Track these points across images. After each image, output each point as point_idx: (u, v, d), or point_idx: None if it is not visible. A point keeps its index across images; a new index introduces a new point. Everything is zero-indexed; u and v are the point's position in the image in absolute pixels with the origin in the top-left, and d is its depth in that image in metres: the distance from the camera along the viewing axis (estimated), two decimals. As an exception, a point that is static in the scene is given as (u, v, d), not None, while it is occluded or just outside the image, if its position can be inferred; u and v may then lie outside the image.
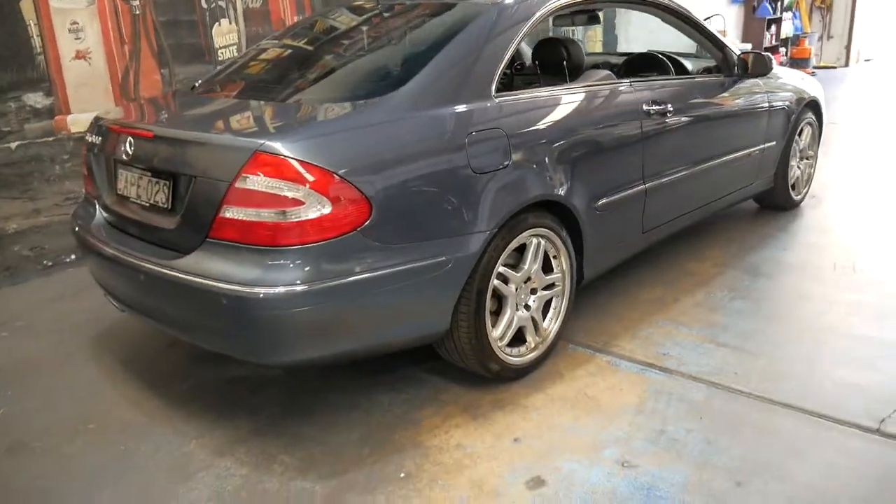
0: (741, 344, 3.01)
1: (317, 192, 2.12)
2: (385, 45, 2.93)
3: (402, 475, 2.29)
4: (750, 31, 10.09)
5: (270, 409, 2.68)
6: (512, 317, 2.70)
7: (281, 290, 2.11)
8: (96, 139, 2.76)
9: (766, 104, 4.03)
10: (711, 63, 4.03)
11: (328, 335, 2.27)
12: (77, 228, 2.84)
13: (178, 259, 2.31)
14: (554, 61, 3.15)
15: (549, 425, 2.51)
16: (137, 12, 4.29)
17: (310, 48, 3.13)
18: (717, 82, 3.74)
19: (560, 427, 2.50)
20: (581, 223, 2.89)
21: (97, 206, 2.82)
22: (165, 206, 2.41)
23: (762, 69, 3.74)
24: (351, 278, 2.20)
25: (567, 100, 2.88)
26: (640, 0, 3.48)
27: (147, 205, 2.49)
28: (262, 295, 2.11)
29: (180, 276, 2.26)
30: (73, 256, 4.26)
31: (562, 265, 2.87)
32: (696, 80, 3.67)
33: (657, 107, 3.22)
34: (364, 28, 3.08)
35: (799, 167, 4.57)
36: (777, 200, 4.52)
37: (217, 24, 4.65)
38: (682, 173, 3.46)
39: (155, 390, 2.86)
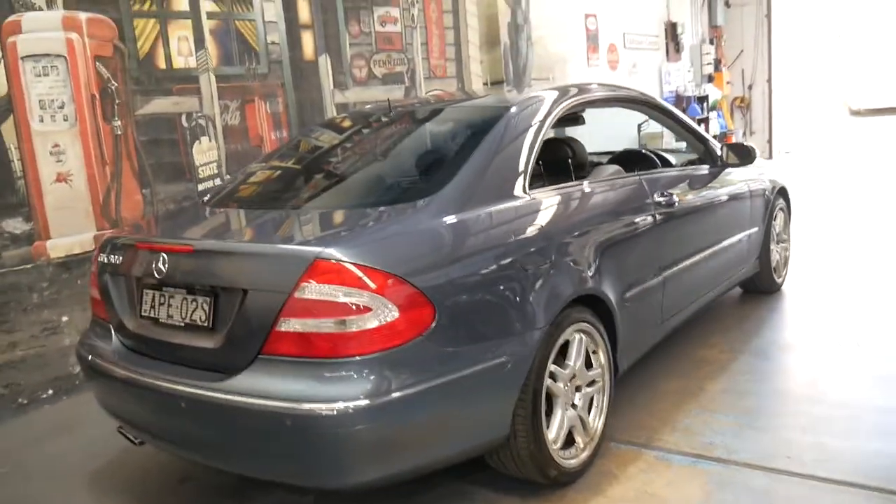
0: (780, 426, 2.98)
1: (383, 298, 2.03)
2: (408, 150, 2.93)
3: None
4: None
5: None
6: (563, 417, 2.61)
7: (352, 404, 1.98)
8: (113, 259, 2.60)
9: (748, 191, 4.20)
10: (688, 156, 4.20)
11: (398, 451, 2.12)
12: (88, 356, 2.63)
13: (225, 380, 2.14)
14: (558, 159, 3.21)
15: (621, 529, 2.39)
16: (119, 132, 4.20)
17: (328, 157, 3.11)
18: (707, 173, 3.88)
19: (634, 530, 2.37)
20: (615, 316, 2.87)
21: (112, 332, 2.63)
22: (205, 324, 2.26)
23: (747, 159, 3.91)
24: (420, 387, 2.08)
25: (593, 194, 2.92)
26: (641, 101, 3.63)
27: (181, 325, 2.33)
28: (333, 412, 1.97)
29: (233, 398, 2.09)
30: (49, 392, 3.95)
31: (600, 359, 2.82)
32: (689, 171, 3.80)
33: (664, 198, 3.30)
34: (379, 134, 3.09)
35: (776, 251, 4.73)
36: (762, 284, 4.64)
37: (197, 141, 4.60)
38: (690, 260, 3.52)
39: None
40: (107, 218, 4.16)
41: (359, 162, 2.94)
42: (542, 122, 2.85)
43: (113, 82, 4.17)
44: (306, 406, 1.98)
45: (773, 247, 4.63)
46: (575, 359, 2.66)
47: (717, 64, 11.53)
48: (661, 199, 3.27)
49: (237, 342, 2.16)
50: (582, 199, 2.85)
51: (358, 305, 2.01)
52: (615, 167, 3.28)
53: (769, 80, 11.92)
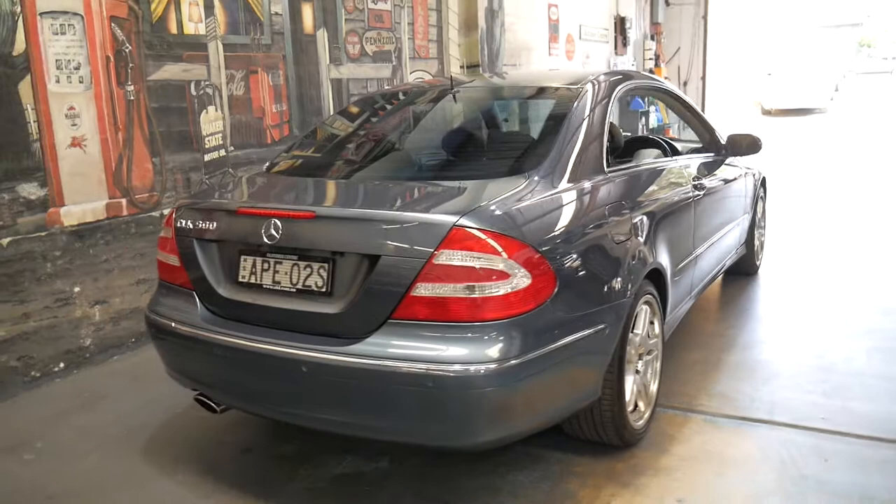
0: (803, 392, 3.26)
1: (519, 265, 2.12)
2: (498, 125, 3.01)
3: (599, 549, 2.25)
4: (626, 120, 11.15)
5: (413, 504, 2.52)
6: (632, 382, 2.78)
7: (492, 366, 2.07)
8: (199, 224, 2.56)
9: (745, 179, 4.50)
10: (689, 144, 4.45)
11: (523, 411, 2.23)
12: (170, 323, 2.58)
13: (354, 344, 2.18)
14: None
15: (699, 483, 2.57)
16: (132, 98, 4.04)
17: (418, 130, 3.13)
18: (716, 160, 4.13)
19: (711, 484, 2.57)
20: (667, 289, 3.06)
21: (197, 298, 2.59)
22: (322, 289, 2.28)
23: (753, 148, 4.18)
24: (543, 350, 2.19)
25: (655, 174, 3.09)
26: (666, 91, 3.83)
27: (292, 291, 2.34)
28: (479, 372, 2.05)
29: (367, 361, 2.13)
30: (61, 365, 3.79)
31: (655, 329, 3.01)
32: (705, 158, 4.04)
33: (698, 181, 3.52)
34: (459, 109, 3.14)
35: (756, 236, 5.08)
36: (745, 266, 4.97)
37: (205, 111, 4.48)
38: (711, 239, 3.77)
39: (266, 499, 2.60)
40: (118, 186, 4.01)
41: (452, 136, 2.99)
42: (609, 102, 2.99)
43: (127, 45, 4.01)
44: (450, 367, 2.05)
45: (756, 231, 4.97)
46: (642, 328, 2.83)
47: (657, 59, 12.03)
48: (697, 181, 3.49)
49: (364, 307, 2.19)
50: (648, 178, 3.02)
51: (496, 271, 2.10)
52: (655, 150, 3.46)
53: (703, 78, 12.54)
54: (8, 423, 3.31)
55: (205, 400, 2.65)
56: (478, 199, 2.27)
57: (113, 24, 3.93)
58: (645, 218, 2.83)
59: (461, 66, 7.05)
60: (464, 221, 2.12)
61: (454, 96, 3.17)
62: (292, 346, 2.25)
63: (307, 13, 5.24)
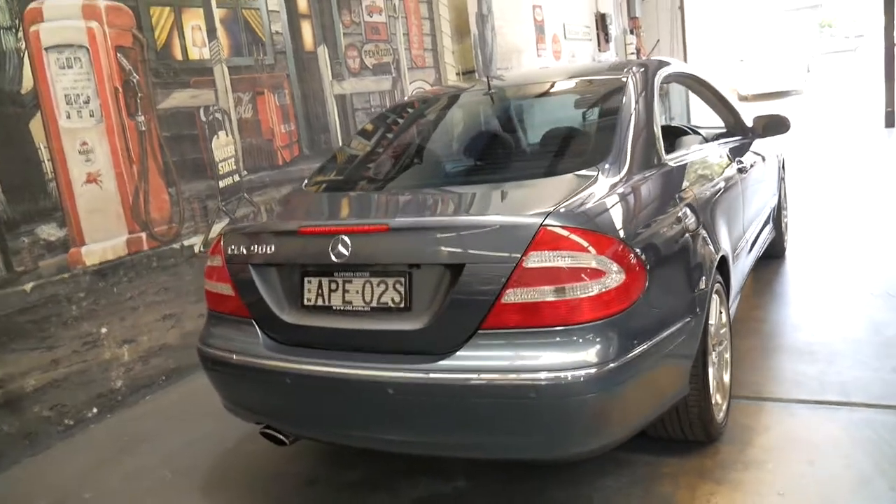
0: (870, 369, 3.18)
1: (612, 261, 2.02)
2: (548, 123, 2.91)
3: (714, 552, 2.14)
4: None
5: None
6: (712, 375, 2.68)
7: (594, 370, 1.95)
8: (253, 249, 2.43)
9: (770, 160, 4.44)
10: (712, 130, 4.39)
11: (623, 415, 2.12)
12: (231, 356, 2.44)
13: (444, 360, 2.06)
14: None
15: (793, 474, 2.47)
16: (143, 128, 3.90)
17: (468, 134, 3.03)
18: (745, 143, 4.07)
19: (806, 474, 2.47)
20: (731, 275, 2.97)
21: (256, 326, 2.45)
22: (399, 305, 2.16)
23: (781, 128, 4.11)
24: (641, 349, 2.09)
25: (707, 162, 3.01)
26: (695, 78, 3.75)
27: (366, 310, 2.21)
28: (581, 379, 1.94)
29: (460, 377, 2.01)
30: (94, 411, 3.62)
31: (722, 318, 2.92)
32: (738, 141, 3.97)
33: (740, 164, 3.45)
34: (505, 110, 3.04)
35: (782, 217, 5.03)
36: (776, 248, 4.91)
37: (216, 136, 4.34)
38: (756, 221, 3.70)
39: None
40: (137, 220, 3.86)
41: (505, 137, 2.89)
42: (654, 90, 2.91)
43: (134, 74, 3.87)
44: (552, 375, 1.94)
45: (781, 213, 4.92)
46: (715, 318, 2.74)
47: (638, 53, 12.07)
48: (740, 164, 3.42)
49: (450, 319, 2.07)
50: (702, 165, 2.93)
51: (589, 270, 1.99)
52: (698, 137, 3.39)
53: (684, 68, 12.58)
54: (49, 476, 3.14)
55: (272, 433, 2.51)
56: (557, 198, 2.16)
57: (119, 55, 3.80)
58: (709, 204, 2.74)
59: (457, 73, 6.97)
60: (550, 221, 2.01)
61: (492, 97, 3.08)
62: (375, 368, 2.12)
63: (307, 30, 5.13)
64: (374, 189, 2.77)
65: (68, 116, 3.54)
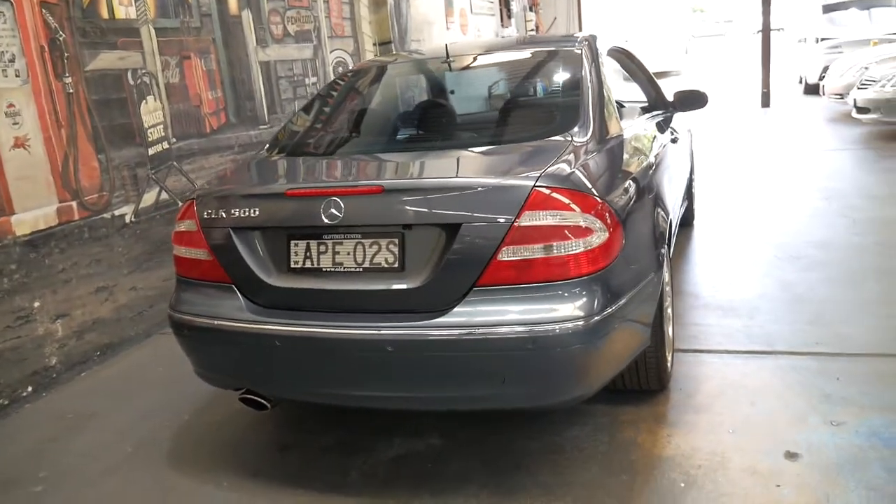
0: (788, 322, 3.53)
1: (598, 220, 2.16)
2: (513, 90, 3.00)
3: (683, 485, 2.35)
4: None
5: (482, 479, 2.49)
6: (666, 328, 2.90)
7: (587, 321, 2.10)
8: (233, 213, 2.40)
9: (686, 132, 4.76)
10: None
11: (605, 364, 2.28)
12: (214, 322, 2.41)
13: (442, 316, 2.14)
14: None
15: (739, 414, 2.74)
16: (71, 91, 3.69)
17: (438, 101, 3.07)
18: (668, 115, 4.33)
19: (751, 414, 2.74)
20: (673, 236, 3.21)
21: (236, 290, 2.43)
22: (393, 266, 2.22)
23: (699, 103, 4.40)
24: (621, 301, 2.25)
25: (655, 130, 3.22)
26: (621, 50, 3.93)
27: (358, 270, 2.26)
28: (577, 329, 2.08)
29: (460, 332, 2.10)
30: (29, 389, 3.44)
31: (666, 276, 3.15)
32: (663, 113, 4.23)
33: (673, 136, 3.70)
34: (467, 76, 3.11)
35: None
36: (687, 216, 5.26)
37: (144, 101, 4.16)
38: (681, 192, 3.97)
39: (332, 494, 2.51)
40: (67, 188, 3.66)
41: (481, 103, 2.96)
42: (601, 62, 3.06)
43: (61, 33, 3.64)
44: (550, 327, 2.07)
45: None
46: (667, 274, 2.96)
47: (537, 30, 12.38)
48: (672, 135, 3.66)
49: (447, 278, 2.15)
50: (648, 132, 3.14)
51: (578, 228, 2.12)
52: (633, 108, 3.59)
53: (580, 46, 13.02)
54: (-7, 458, 2.98)
55: (253, 398, 2.51)
56: (542, 162, 2.28)
57: (44, 11, 3.56)
58: (660, 169, 2.95)
59: (374, 44, 6.94)
60: (542, 182, 2.13)
61: (449, 65, 3.15)
62: (373, 328, 2.18)
63: (231, -7, 4.98)
64: (354, 153, 2.79)
65: (-7, 76, 3.31)
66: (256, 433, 2.97)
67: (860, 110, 8.07)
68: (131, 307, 4.03)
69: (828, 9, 13.68)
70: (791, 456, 2.45)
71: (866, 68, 8.67)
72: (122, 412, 3.27)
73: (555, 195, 2.12)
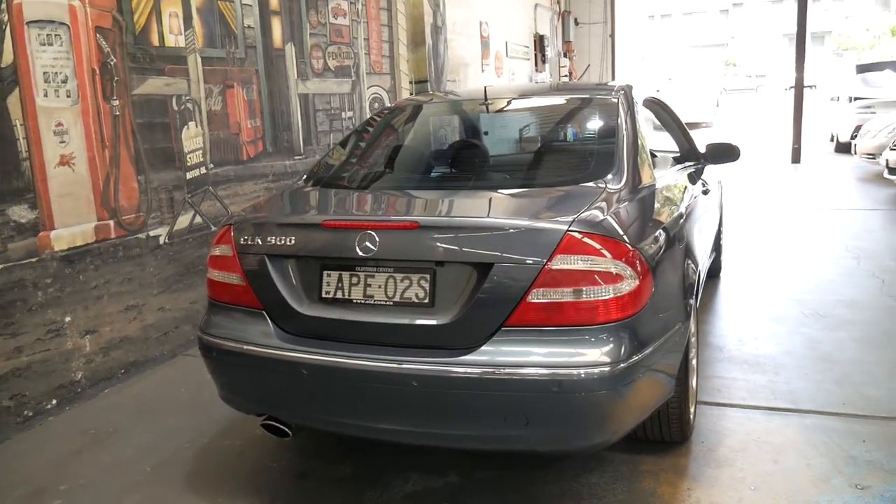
0: (813, 381, 3.49)
1: (629, 267, 2.18)
2: (551, 134, 3.06)
3: (702, 541, 2.32)
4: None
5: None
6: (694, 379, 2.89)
7: (613, 368, 2.11)
8: (270, 241, 2.45)
9: (717, 184, 4.78)
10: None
11: (632, 410, 2.28)
12: (243, 346, 2.45)
13: (467, 354, 2.16)
14: None
15: (761, 471, 2.71)
16: (117, 113, 3.81)
17: (474, 143, 3.13)
18: (699, 167, 4.36)
19: (773, 472, 2.70)
20: (700, 288, 3.21)
21: (267, 317, 2.47)
22: (423, 301, 2.25)
23: (732, 156, 4.42)
24: (649, 349, 2.26)
25: (682, 178, 3.24)
26: (656, 101, 3.98)
27: (390, 304, 2.29)
28: (604, 375, 2.08)
29: (486, 371, 2.11)
30: (53, 402, 3.49)
31: (692, 327, 3.14)
32: (694, 165, 4.25)
33: (704, 187, 3.72)
34: (506, 119, 3.17)
35: (718, 238, 5.38)
36: (714, 267, 5.25)
37: (186, 127, 4.27)
38: (710, 243, 3.97)
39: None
40: (106, 207, 3.76)
41: (518, 146, 3.02)
42: (637, 111, 3.10)
43: (112, 57, 3.78)
44: (577, 370, 2.08)
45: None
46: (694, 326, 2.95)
47: (570, 76, 12.53)
48: (704, 187, 3.68)
49: (476, 316, 2.17)
50: (680, 183, 3.16)
51: (609, 275, 2.14)
52: (665, 159, 3.62)
53: (611, 94, 13.15)
54: (13, 468, 3.02)
55: (275, 424, 2.53)
56: (576, 206, 2.31)
57: (98, 36, 3.70)
58: (690, 220, 2.97)
59: (410, 82, 7.07)
60: (576, 227, 2.16)
61: (487, 107, 3.21)
62: (400, 361, 2.20)
63: (276, 27, 5.12)
64: (390, 188, 2.84)
65: (45, 95, 3.43)
66: (276, 459, 2.98)
67: (892, 171, 8.03)
68: (158, 327, 4.09)
69: (862, 69, 13.73)
70: (813, 518, 2.41)
71: (900, 130, 8.65)
72: (143, 430, 3.31)
73: (587, 240, 2.15)
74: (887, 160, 8.14)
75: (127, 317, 3.90)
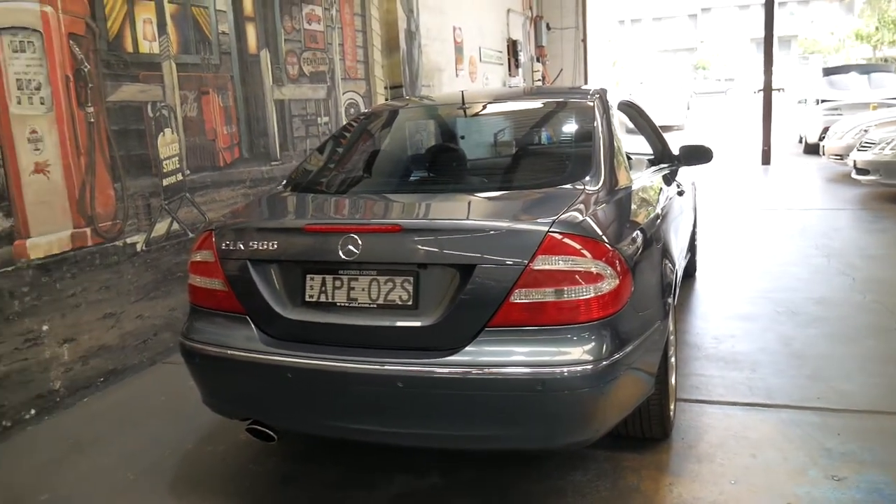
0: (788, 376, 3.56)
1: (610, 267, 2.22)
2: (527, 137, 3.09)
3: (685, 534, 2.36)
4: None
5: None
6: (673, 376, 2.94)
7: (596, 366, 2.14)
8: (252, 245, 2.45)
9: (690, 186, 4.85)
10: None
11: (615, 407, 2.31)
12: (227, 351, 2.45)
13: (452, 355, 2.18)
14: None
15: (741, 465, 2.76)
16: (92, 120, 3.77)
17: (451, 146, 3.15)
18: (674, 169, 4.43)
19: (752, 465, 2.76)
20: (677, 286, 3.26)
21: (250, 321, 2.47)
22: (407, 303, 2.27)
23: (705, 158, 4.49)
24: (630, 347, 2.30)
25: (658, 179, 3.30)
26: (630, 104, 4.03)
27: (372, 307, 2.30)
28: (586, 372, 2.12)
29: (471, 371, 2.14)
30: (32, 412, 3.45)
31: (670, 325, 3.19)
32: (668, 166, 4.32)
33: (679, 188, 3.78)
34: (484, 122, 3.20)
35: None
36: (689, 268, 5.32)
37: (161, 133, 4.24)
38: (685, 244, 4.04)
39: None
40: (82, 214, 3.72)
41: (496, 149, 3.05)
42: (612, 114, 3.15)
43: (86, 64, 3.74)
44: (560, 369, 2.11)
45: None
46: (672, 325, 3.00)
47: (543, 80, 12.62)
48: (678, 188, 3.74)
49: (459, 317, 2.20)
50: (656, 184, 3.22)
51: (590, 274, 2.18)
52: (640, 161, 3.68)
53: (584, 98, 13.27)
54: (-6, 480, 2.98)
55: (260, 428, 2.53)
56: (556, 208, 2.34)
57: (71, 42, 3.67)
58: (666, 220, 3.02)
59: (385, 87, 7.09)
60: (556, 228, 2.19)
61: (464, 111, 3.24)
62: (384, 363, 2.21)
63: (251, 33, 5.11)
64: (371, 192, 2.85)
65: (19, 102, 3.39)
66: (259, 464, 2.97)
67: (860, 171, 8.22)
68: (137, 335, 4.06)
69: (828, 72, 14.01)
70: (792, 509, 2.46)
71: (866, 131, 8.86)
72: (124, 438, 3.28)
73: (567, 241, 2.18)
74: (854, 161, 8.32)
75: (105, 325, 3.86)
